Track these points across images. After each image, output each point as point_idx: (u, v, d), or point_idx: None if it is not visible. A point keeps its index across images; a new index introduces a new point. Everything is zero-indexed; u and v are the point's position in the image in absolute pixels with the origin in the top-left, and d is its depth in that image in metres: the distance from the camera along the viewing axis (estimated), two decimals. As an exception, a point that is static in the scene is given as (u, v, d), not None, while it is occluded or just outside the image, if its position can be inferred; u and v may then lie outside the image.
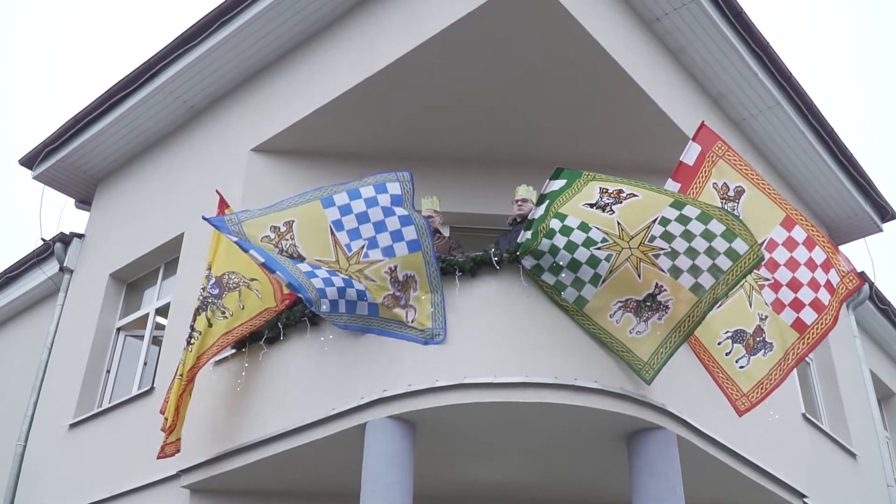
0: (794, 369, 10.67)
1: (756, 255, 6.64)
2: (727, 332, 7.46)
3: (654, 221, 6.84)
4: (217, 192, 8.55)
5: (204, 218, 8.15)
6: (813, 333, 7.36)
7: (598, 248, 7.02)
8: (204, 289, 8.08)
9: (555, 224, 7.05)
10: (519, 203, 8.40)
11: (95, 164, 12.41)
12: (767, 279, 7.46)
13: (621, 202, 6.94)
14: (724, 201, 7.51)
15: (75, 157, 12.29)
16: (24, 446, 10.86)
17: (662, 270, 6.94)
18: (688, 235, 6.76)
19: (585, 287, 7.18)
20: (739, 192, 7.55)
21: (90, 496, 9.41)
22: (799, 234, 7.47)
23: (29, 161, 12.58)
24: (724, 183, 7.56)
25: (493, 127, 9.90)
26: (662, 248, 6.87)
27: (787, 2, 51.86)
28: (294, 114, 9.99)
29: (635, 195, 6.92)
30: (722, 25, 10.06)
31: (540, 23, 8.55)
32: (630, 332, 7.20)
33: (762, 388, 7.38)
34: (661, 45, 10.21)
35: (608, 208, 6.97)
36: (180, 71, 10.82)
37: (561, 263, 7.17)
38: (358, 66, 9.47)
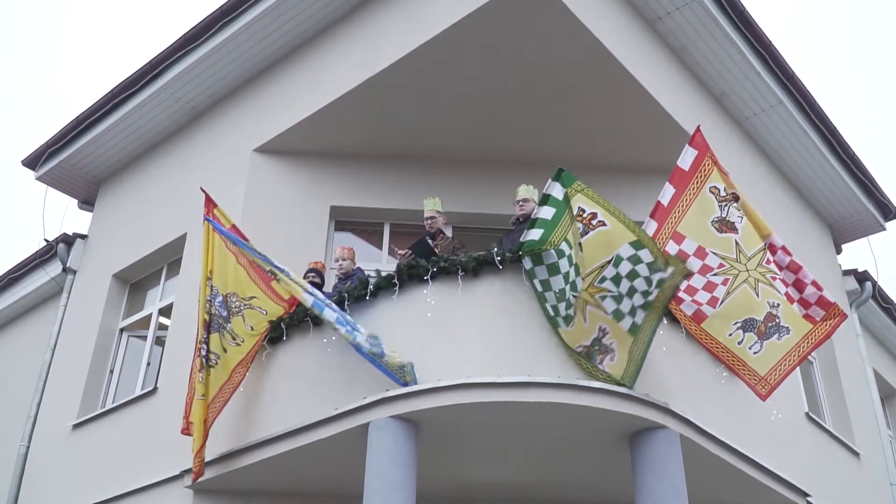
0: (798, 367, 10.72)
1: (680, 273, 6.79)
2: (736, 322, 7.55)
3: (609, 261, 6.99)
4: (202, 189, 8.50)
5: (206, 219, 8.17)
6: (821, 330, 7.43)
7: (574, 294, 7.12)
8: (210, 302, 8.06)
9: (564, 247, 7.10)
10: (520, 203, 8.40)
11: (98, 164, 12.42)
12: (777, 273, 7.49)
13: (588, 232, 7.06)
14: (724, 204, 7.55)
15: (78, 158, 12.31)
16: (28, 447, 10.87)
17: (606, 313, 7.05)
18: (633, 274, 6.93)
19: (559, 319, 7.20)
20: (735, 196, 7.59)
21: (93, 496, 9.42)
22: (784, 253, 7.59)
23: (32, 162, 12.60)
24: (721, 187, 7.59)
25: (495, 127, 9.90)
26: (610, 291, 7.00)
27: (789, 0, 51.83)
28: (296, 114, 10.00)
29: (604, 224, 7.05)
30: (724, 24, 10.06)
31: (541, 22, 8.55)
32: (595, 364, 7.25)
33: (780, 370, 7.44)
34: (663, 45, 10.20)
35: (580, 243, 7.12)
36: (182, 72, 10.84)
37: (552, 286, 7.19)
38: (360, 66, 9.48)
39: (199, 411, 7.81)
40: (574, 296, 7.07)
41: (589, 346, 7.11)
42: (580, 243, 7.07)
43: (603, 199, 7.15)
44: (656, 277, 6.83)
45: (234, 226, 8.42)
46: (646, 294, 6.90)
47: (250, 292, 8.16)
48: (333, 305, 7.38)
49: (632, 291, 6.95)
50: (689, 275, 6.87)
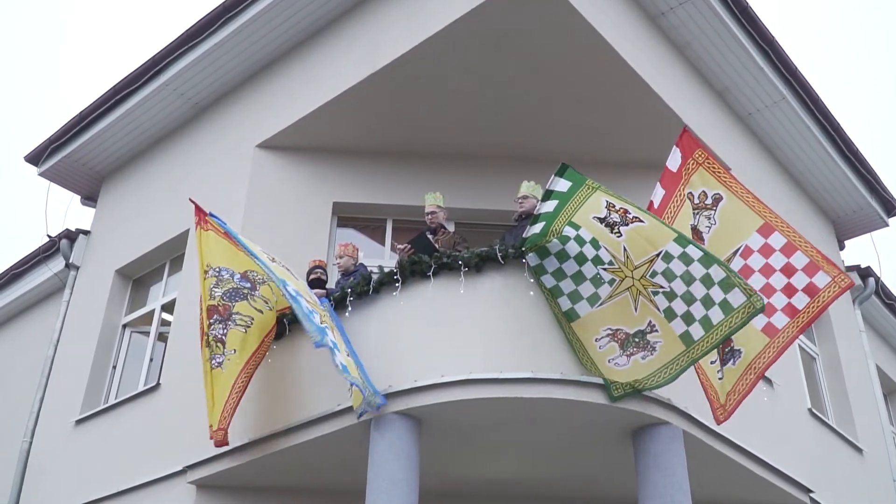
0: (801, 362, 10.62)
1: (755, 306, 6.46)
2: None
3: (657, 255, 6.73)
4: (191, 200, 8.42)
5: (211, 215, 8.16)
6: (783, 337, 7.23)
7: (605, 269, 6.97)
8: (222, 280, 7.99)
9: (569, 231, 7.02)
10: (519, 201, 8.38)
11: (101, 160, 12.43)
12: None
13: (627, 224, 6.85)
14: (698, 210, 7.46)
15: (81, 154, 12.32)
16: (30, 443, 10.89)
17: (658, 309, 6.84)
18: (688, 277, 6.62)
19: (581, 303, 7.13)
20: (717, 199, 7.50)
21: (96, 492, 9.43)
22: (777, 240, 7.34)
23: (34, 158, 12.61)
24: (703, 191, 7.49)
25: (497, 122, 9.88)
26: (662, 287, 6.75)
27: (792, -4, 51.68)
28: (299, 110, 10.00)
29: (641, 221, 6.83)
30: (727, 20, 10.04)
31: (544, 18, 8.54)
32: (609, 362, 7.09)
33: (734, 396, 7.24)
34: (667, 40, 10.18)
35: (616, 228, 6.89)
36: (185, 68, 10.84)
37: (566, 272, 7.14)
38: (362, 62, 9.47)
39: (231, 372, 7.64)
40: (605, 269, 6.95)
41: (630, 334, 6.98)
42: (621, 231, 6.85)
43: (625, 198, 7.00)
44: (721, 297, 6.51)
45: (225, 233, 8.35)
46: (707, 304, 6.56)
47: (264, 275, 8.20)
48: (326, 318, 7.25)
49: (688, 297, 6.64)
50: (758, 312, 6.51)
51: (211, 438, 7.58)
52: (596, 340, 7.14)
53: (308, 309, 7.19)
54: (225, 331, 7.84)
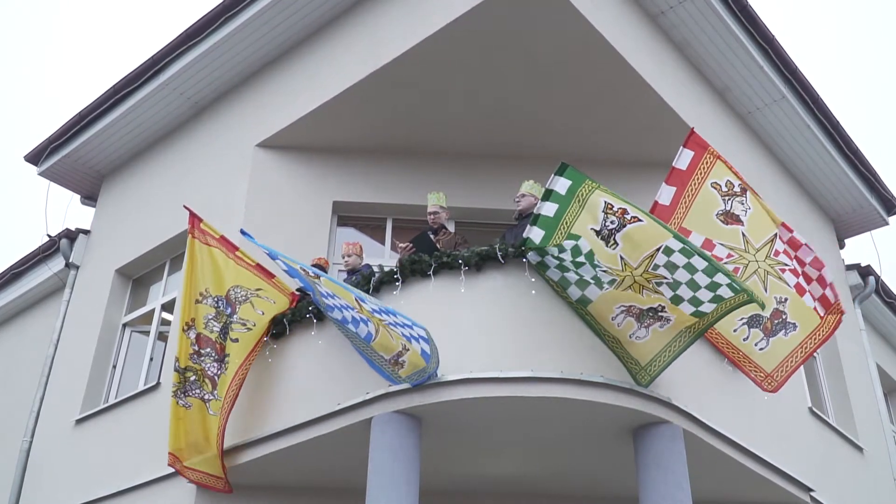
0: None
1: (741, 300, 6.70)
2: (742, 318, 7.54)
3: (657, 250, 6.79)
4: (186, 207, 8.46)
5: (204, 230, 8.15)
6: (824, 328, 7.44)
7: (604, 272, 7.02)
8: (218, 315, 8.05)
9: (568, 244, 7.05)
10: (517, 199, 8.38)
11: (101, 160, 12.43)
12: (787, 264, 7.49)
13: (625, 226, 6.88)
14: (729, 197, 7.53)
15: (81, 154, 12.32)
16: (31, 442, 10.89)
17: (664, 297, 6.93)
18: (690, 268, 6.71)
19: (589, 287, 7.15)
20: (744, 189, 7.59)
21: (96, 492, 9.43)
22: (797, 236, 7.61)
23: (34, 157, 12.61)
24: (728, 180, 7.58)
25: (498, 122, 9.89)
26: (665, 278, 6.82)
27: (792, -5, 51.64)
28: (299, 109, 10.00)
29: (640, 220, 6.87)
30: (727, 18, 10.05)
31: (544, 17, 8.54)
32: (630, 336, 7.17)
33: (785, 368, 7.45)
34: (667, 39, 10.18)
35: (612, 239, 6.92)
36: (184, 67, 10.84)
37: (566, 261, 7.14)
38: (363, 61, 9.47)
39: (214, 425, 7.84)
40: (604, 272, 6.97)
41: (643, 310, 7.02)
42: (617, 240, 6.92)
43: (623, 198, 7.03)
44: (726, 280, 6.64)
45: (222, 237, 8.35)
46: (713, 287, 6.70)
47: (256, 285, 8.19)
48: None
49: (693, 284, 6.74)
50: (745, 304, 6.78)
51: (217, 488, 7.96)
52: (612, 319, 7.18)
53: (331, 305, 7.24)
54: (219, 371, 7.93)
